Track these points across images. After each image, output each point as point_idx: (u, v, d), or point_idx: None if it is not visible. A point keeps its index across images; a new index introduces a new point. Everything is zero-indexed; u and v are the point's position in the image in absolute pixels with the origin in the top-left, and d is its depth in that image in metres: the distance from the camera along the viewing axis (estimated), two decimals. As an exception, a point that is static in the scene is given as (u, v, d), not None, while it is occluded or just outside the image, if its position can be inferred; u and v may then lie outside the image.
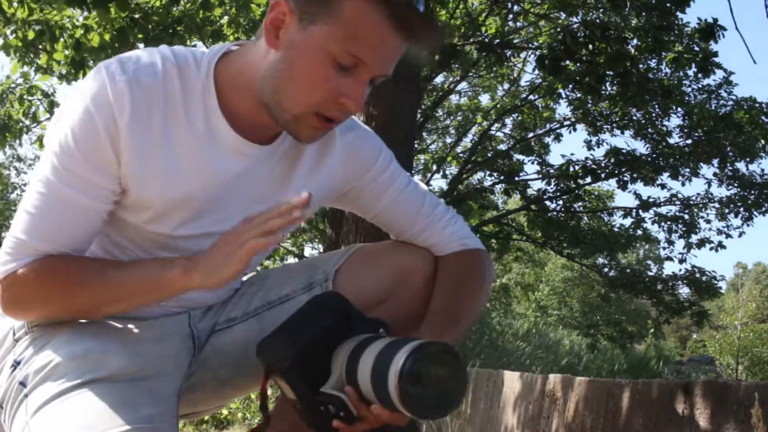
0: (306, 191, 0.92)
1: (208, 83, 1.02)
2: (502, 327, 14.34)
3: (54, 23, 5.39)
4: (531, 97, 9.85)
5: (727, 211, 9.86)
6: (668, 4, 5.47)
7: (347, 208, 1.26)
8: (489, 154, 10.67)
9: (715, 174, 9.74)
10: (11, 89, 6.73)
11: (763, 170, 13.83)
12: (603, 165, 9.42)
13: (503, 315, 16.91)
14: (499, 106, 10.76)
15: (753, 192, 9.62)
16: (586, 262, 11.73)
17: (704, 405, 1.60)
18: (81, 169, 0.97)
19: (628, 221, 10.71)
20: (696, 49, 7.08)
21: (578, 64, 6.46)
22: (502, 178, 10.35)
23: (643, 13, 6.12)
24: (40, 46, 5.50)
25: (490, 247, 10.00)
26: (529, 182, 10.45)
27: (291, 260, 9.57)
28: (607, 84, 7.32)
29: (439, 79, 10.16)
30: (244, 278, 1.27)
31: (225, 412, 4.24)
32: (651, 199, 10.05)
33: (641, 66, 7.20)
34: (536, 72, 8.88)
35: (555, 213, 10.15)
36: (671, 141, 9.54)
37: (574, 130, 9.88)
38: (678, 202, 10.05)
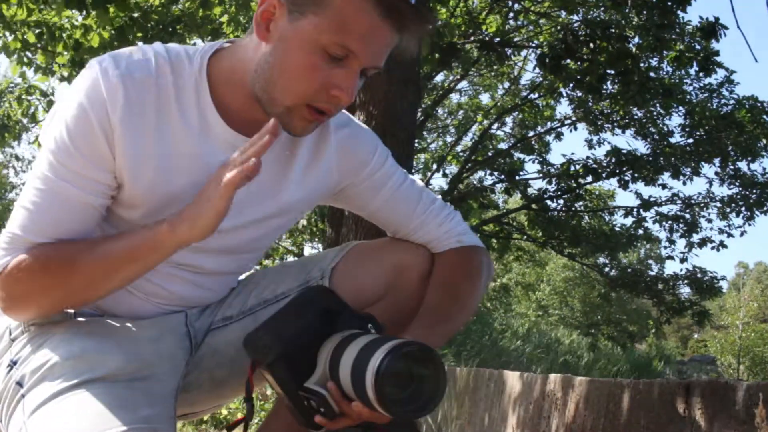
0: (300, 188, 0.90)
1: (201, 79, 1.02)
2: (502, 327, 14.34)
3: (53, 24, 5.39)
4: (531, 95, 9.86)
5: (728, 210, 9.86)
6: (669, 3, 5.47)
7: (344, 205, 1.26)
8: (489, 153, 10.69)
9: (716, 173, 9.78)
10: (9, 89, 6.73)
11: (764, 169, 13.88)
12: (604, 164, 9.42)
13: (504, 315, 16.93)
14: (499, 104, 10.77)
15: (754, 191, 9.63)
16: (587, 262, 11.73)
17: (705, 405, 1.60)
18: (76, 165, 0.97)
19: (629, 221, 10.74)
20: (697, 47, 7.08)
21: (579, 63, 6.47)
22: (502, 177, 10.36)
23: (644, 12, 6.12)
24: (39, 46, 5.50)
25: (491, 246, 10.01)
26: (530, 181, 10.46)
27: (290, 260, 9.57)
28: (608, 83, 7.32)
29: (439, 77, 10.18)
30: (242, 277, 1.27)
31: (224, 412, 4.24)
32: (652, 199, 10.07)
33: (642, 65, 7.19)
34: (537, 70, 8.89)
35: (556, 212, 10.16)
36: (672, 140, 9.55)
37: (575, 129, 9.90)
38: (679, 202, 10.07)
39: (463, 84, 11.09)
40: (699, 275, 10.06)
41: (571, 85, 7.70)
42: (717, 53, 6.75)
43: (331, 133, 1.15)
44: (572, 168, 9.49)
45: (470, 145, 11.05)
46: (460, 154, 11.21)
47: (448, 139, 12.31)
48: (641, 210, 10.12)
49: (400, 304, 1.16)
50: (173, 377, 1.08)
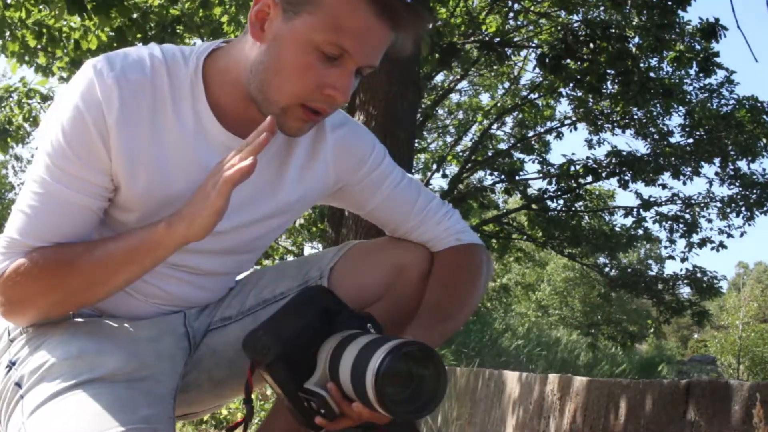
0: (298, 188, 0.90)
1: (196, 79, 1.02)
2: (502, 327, 14.34)
3: (51, 25, 5.38)
4: (531, 95, 9.85)
5: (728, 210, 9.87)
6: (669, 3, 5.47)
7: (342, 204, 1.25)
8: (489, 153, 10.68)
9: (716, 173, 9.78)
10: (9, 93, 6.72)
11: (764, 169, 13.92)
12: (604, 164, 9.42)
13: (504, 315, 16.92)
14: (499, 104, 10.77)
15: (754, 191, 9.63)
16: (587, 262, 11.73)
17: (705, 405, 1.59)
18: (73, 167, 0.97)
19: (629, 221, 10.76)
20: (697, 47, 7.08)
21: (579, 63, 6.47)
22: (502, 177, 10.37)
23: (644, 12, 6.12)
24: (39, 47, 5.50)
25: (491, 246, 10.02)
26: (530, 181, 10.46)
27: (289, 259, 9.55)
28: (608, 83, 7.32)
29: (439, 77, 10.18)
30: (239, 277, 1.26)
31: (224, 412, 4.23)
32: (652, 199, 10.07)
33: (642, 65, 7.20)
34: (537, 70, 8.90)
35: (556, 212, 10.16)
36: (672, 140, 9.55)
37: (575, 129, 9.89)
38: (679, 202, 10.07)
39: (463, 84, 11.11)
40: (699, 275, 10.06)
41: (571, 85, 7.71)
42: (717, 54, 6.76)
43: (328, 133, 1.14)
44: (572, 168, 9.49)
45: (470, 145, 11.05)
46: (460, 154, 11.21)
47: (448, 139, 12.32)
48: (641, 210, 10.13)
49: (399, 303, 1.16)
50: (172, 377, 1.08)
